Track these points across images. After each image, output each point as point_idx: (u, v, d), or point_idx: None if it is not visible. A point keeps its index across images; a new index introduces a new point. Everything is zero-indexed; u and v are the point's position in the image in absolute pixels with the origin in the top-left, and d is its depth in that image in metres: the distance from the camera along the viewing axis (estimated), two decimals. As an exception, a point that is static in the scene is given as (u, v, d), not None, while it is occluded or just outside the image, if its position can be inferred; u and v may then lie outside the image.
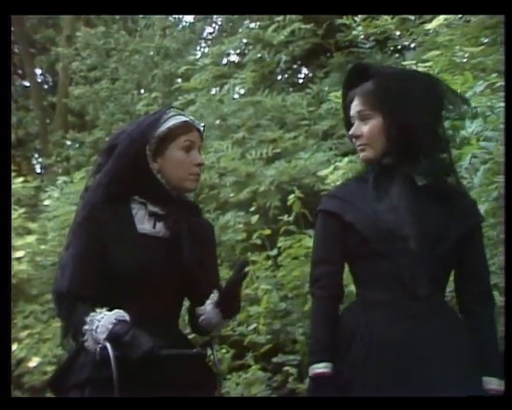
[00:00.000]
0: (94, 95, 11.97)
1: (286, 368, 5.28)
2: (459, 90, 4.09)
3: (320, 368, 2.63)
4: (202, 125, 2.84)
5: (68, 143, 13.99)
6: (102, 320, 2.47)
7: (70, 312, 2.59)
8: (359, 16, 5.60)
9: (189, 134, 2.73)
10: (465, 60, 4.34)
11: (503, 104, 3.71)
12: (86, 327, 2.48)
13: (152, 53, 11.28)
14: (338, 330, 2.69)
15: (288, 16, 8.32)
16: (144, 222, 2.71)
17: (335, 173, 5.30)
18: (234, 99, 8.47)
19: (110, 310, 2.51)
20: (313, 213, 3.01)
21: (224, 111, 8.04)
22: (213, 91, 8.35)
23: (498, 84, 3.91)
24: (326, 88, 7.73)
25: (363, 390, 2.54)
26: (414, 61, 4.87)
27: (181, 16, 13.00)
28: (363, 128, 2.74)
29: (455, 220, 2.69)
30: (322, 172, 5.63)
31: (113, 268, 2.63)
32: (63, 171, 12.23)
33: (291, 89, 9.10)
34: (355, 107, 2.76)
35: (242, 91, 8.88)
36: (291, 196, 6.00)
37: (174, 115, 2.74)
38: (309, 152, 6.84)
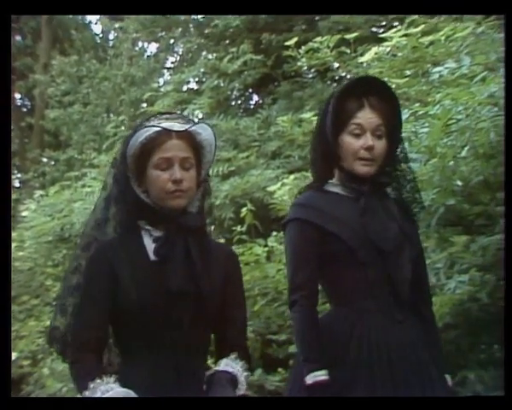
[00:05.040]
0: (67, 117, 11.88)
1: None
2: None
3: (321, 375, 2.35)
4: (186, 127, 2.25)
5: (44, 160, 13.89)
6: (106, 394, 2.05)
7: (74, 360, 2.19)
8: (303, 48, 5.55)
9: (164, 146, 2.21)
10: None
11: (426, 130, 3.79)
12: (87, 393, 2.06)
13: (120, 80, 11.22)
14: (325, 337, 2.43)
15: (240, 48, 8.36)
16: (152, 249, 2.25)
17: (282, 189, 5.33)
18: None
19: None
20: (281, 222, 2.65)
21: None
22: (175, 115, 8.33)
23: (421, 112, 3.94)
24: (274, 113, 7.76)
25: (358, 392, 2.33)
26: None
27: (146, 47, 12.98)
28: (376, 143, 2.45)
29: (413, 225, 2.59)
30: (271, 188, 5.66)
31: (127, 304, 2.18)
32: (39, 185, 12.12)
33: (243, 114, 9.11)
34: (370, 119, 2.45)
35: (201, 115, 8.86)
36: (244, 209, 6.01)
37: (147, 127, 2.23)
38: (259, 170, 6.87)
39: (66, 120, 11.97)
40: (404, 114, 4.04)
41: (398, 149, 2.59)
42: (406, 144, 3.86)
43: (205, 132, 2.30)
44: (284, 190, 5.29)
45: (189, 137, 2.26)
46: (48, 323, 6.87)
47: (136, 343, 2.21)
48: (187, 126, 2.25)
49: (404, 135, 3.80)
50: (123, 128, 8.70)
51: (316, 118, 4.96)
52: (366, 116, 2.45)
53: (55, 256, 7.96)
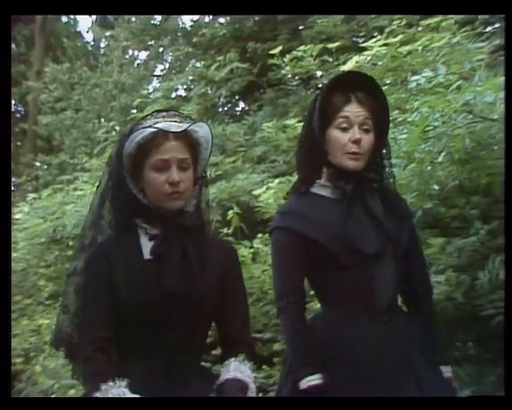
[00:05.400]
0: (60, 123, 11.85)
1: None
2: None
3: (315, 380, 2.29)
4: (183, 127, 2.15)
5: (37, 164, 13.85)
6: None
7: (85, 359, 2.08)
8: (287, 57, 5.55)
9: (162, 148, 2.13)
10: None
11: (405, 136, 3.80)
12: (98, 395, 1.98)
13: (110, 87, 11.19)
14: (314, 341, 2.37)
15: (227, 56, 8.36)
16: (148, 247, 2.18)
17: (267, 192, 5.32)
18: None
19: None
20: (268, 229, 2.63)
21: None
22: (164, 121, 8.31)
23: (400, 119, 3.93)
24: (259, 119, 7.75)
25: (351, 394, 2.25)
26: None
27: (136, 55, 12.96)
28: (364, 137, 2.38)
29: (402, 222, 2.47)
30: (257, 191, 5.65)
31: (121, 303, 2.12)
32: (32, 189, 12.07)
33: (230, 120, 9.10)
34: (357, 113, 2.38)
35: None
36: (230, 212, 6.01)
37: (143, 128, 2.14)
38: (245, 174, 6.86)
39: (59, 125, 11.94)
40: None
41: (387, 150, 2.54)
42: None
43: (201, 130, 2.22)
44: (269, 194, 5.28)
45: (186, 137, 2.17)
46: (40, 322, 6.85)
47: (130, 344, 2.14)
48: (184, 126, 2.15)
49: (382, 141, 3.91)
50: (113, 133, 8.68)
51: (300, 124, 5.02)
52: (353, 110, 2.39)
53: (47, 257, 7.92)
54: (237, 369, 2.17)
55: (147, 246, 2.18)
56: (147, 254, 2.17)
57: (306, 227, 2.40)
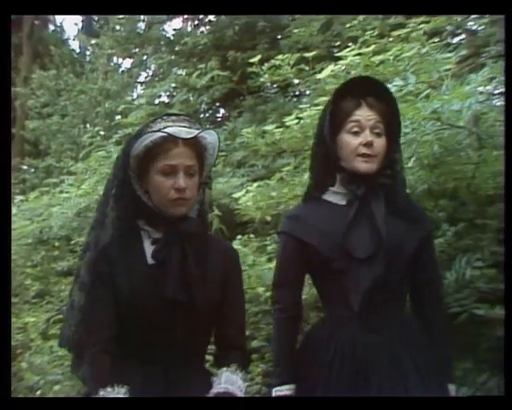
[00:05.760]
0: (46, 128, 11.79)
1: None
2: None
3: (282, 390, 2.29)
4: (193, 134, 2.08)
5: (24, 167, 13.73)
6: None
7: (90, 361, 2.05)
8: (265, 65, 5.54)
9: (170, 153, 2.05)
10: None
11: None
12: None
13: (95, 93, 11.15)
14: (308, 347, 2.35)
15: (208, 64, 8.35)
16: (151, 251, 2.11)
17: (247, 195, 5.31)
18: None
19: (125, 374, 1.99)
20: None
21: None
22: (147, 126, 8.30)
23: None
24: (239, 125, 7.75)
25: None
26: (308, 105, 4.95)
27: (120, 62, 12.91)
28: (375, 140, 2.31)
29: (411, 228, 2.36)
30: (237, 195, 5.65)
31: (123, 306, 2.06)
32: (20, 191, 11.94)
33: (211, 126, 9.09)
34: (368, 117, 2.31)
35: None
36: (211, 214, 6.02)
37: (153, 132, 2.05)
38: (226, 178, 6.84)
39: (45, 130, 11.87)
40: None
41: (398, 155, 2.45)
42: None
43: (210, 137, 2.16)
44: (248, 197, 5.28)
45: (194, 144, 2.10)
46: (27, 320, 6.80)
47: (130, 346, 2.08)
48: (194, 133, 2.08)
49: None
50: (98, 138, 8.62)
51: (278, 130, 5.03)
52: (364, 114, 2.32)
53: (34, 257, 7.87)
54: (228, 380, 2.12)
55: (149, 250, 2.11)
56: (150, 259, 2.10)
57: (304, 233, 2.35)
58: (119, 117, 10.13)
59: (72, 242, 7.38)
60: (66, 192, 7.25)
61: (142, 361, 2.07)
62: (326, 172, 2.44)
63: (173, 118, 2.13)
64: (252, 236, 5.35)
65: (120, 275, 2.08)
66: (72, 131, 11.15)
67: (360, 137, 2.31)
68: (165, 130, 2.05)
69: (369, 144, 2.29)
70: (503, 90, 4.03)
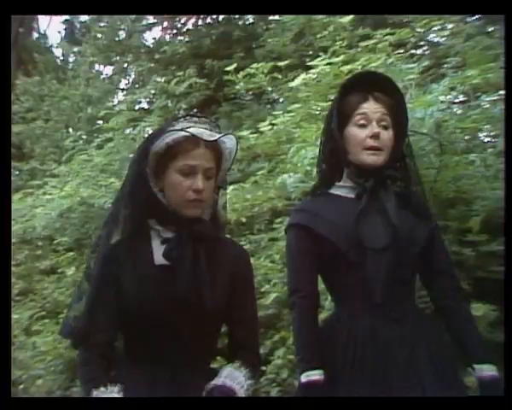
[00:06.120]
0: (30, 132, 11.68)
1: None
2: (313, 136, 4.24)
3: (314, 375, 2.13)
4: (215, 137, 2.01)
5: (9, 170, 13.63)
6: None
7: (83, 362, 1.98)
8: (241, 73, 5.53)
9: (192, 154, 1.97)
10: (318, 112, 4.41)
11: None
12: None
13: (78, 99, 11.07)
14: (325, 338, 2.20)
15: (186, 72, 8.35)
16: (161, 252, 2.01)
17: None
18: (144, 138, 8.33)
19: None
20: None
21: (135, 147, 7.85)
22: (127, 131, 8.30)
23: None
24: (216, 130, 7.75)
25: (357, 393, 2.09)
26: (281, 112, 4.98)
27: (102, 69, 12.83)
28: (382, 132, 2.23)
29: (420, 221, 2.28)
30: (212, 197, 5.64)
31: (130, 307, 1.96)
32: (4, 193, 11.89)
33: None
34: (375, 109, 2.24)
35: (151, 132, 8.80)
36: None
37: (175, 130, 1.98)
38: (202, 180, 6.85)
39: (30, 134, 11.77)
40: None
41: (405, 144, 2.35)
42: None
43: (229, 142, 2.08)
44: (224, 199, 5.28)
45: (215, 147, 2.03)
46: (11, 316, 6.74)
47: (137, 347, 1.99)
48: (216, 136, 2.01)
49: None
50: (80, 142, 8.59)
51: (253, 136, 5.04)
52: (371, 107, 2.25)
53: (18, 256, 7.81)
54: (229, 375, 2.03)
55: (158, 250, 2.01)
56: (158, 259, 2.00)
57: (316, 224, 2.25)
58: (100, 122, 10.05)
59: (55, 241, 7.35)
60: (50, 194, 7.21)
61: (149, 362, 1.96)
62: (334, 167, 2.36)
63: (195, 119, 2.05)
64: (228, 236, 5.35)
65: (127, 276, 1.98)
66: (55, 135, 11.08)
67: (367, 130, 2.24)
68: (189, 130, 1.97)
69: (375, 136, 2.22)
70: (462, 98, 4.10)
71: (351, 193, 2.30)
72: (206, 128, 2.02)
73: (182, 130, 1.97)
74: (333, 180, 2.36)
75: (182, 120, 2.04)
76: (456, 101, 4.11)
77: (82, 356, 1.99)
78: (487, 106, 3.75)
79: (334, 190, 2.35)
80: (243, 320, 2.11)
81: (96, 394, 1.87)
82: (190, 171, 1.97)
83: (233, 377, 2.02)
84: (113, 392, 1.88)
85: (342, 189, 2.34)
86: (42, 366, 6.00)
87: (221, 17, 9.84)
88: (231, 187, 5.50)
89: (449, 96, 3.80)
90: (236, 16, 9.73)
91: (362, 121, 2.24)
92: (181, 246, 1.98)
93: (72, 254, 7.26)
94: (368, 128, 2.24)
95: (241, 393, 1.99)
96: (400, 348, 2.15)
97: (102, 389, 1.87)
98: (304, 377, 2.14)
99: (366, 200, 2.23)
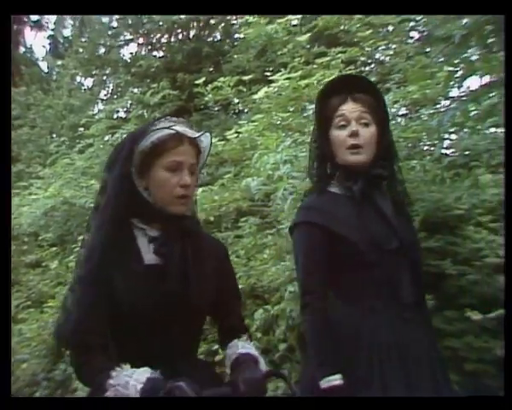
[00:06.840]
0: (17, 137, 11.52)
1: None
2: (275, 144, 4.28)
3: (335, 380, 1.96)
4: (199, 133, 1.91)
5: (-3, 172, 13.42)
6: (133, 376, 1.68)
7: (84, 362, 1.77)
8: (209, 86, 5.53)
9: (177, 150, 1.85)
10: (279, 122, 4.43)
11: (304, 154, 3.84)
12: (111, 382, 1.68)
13: (61, 108, 10.99)
14: (340, 338, 2.03)
15: (160, 84, 8.35)
16: (149, 251, 1.86)
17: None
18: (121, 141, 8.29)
19: (126, 359, 1.74)
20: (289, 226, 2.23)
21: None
22: (107, 138, 8.26)
23: (300, 140, 3.99)
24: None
25: (371, 393, 1.95)
26: (246, 121, 5.00)
27: (83, 81, 12.72)
28: (361, 130, 2.10)
29: (408, 222, 2.19)
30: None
31: (120, 307, 1.79)
32: (-8, 193, 11.72)
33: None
34: (353, 109, 2.12)
35: (129, 134, 8.73)
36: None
37: (161, 128, 1.86)
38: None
39: (17, 139, 11.58)
40: (287, 142, 4.20)
41: (391, 149, 2.23)
42: (288, 165, 3.94)
43: (206, 140, 1.97)
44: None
45: (195, 144, 1.93)
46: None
47: (128, 345, 1.80)
48: (196, 134, 1.91)
49: (286, 158, 3.93)
50: (63, 147, 8.54)
51: (220, 143, 5.07)
52: (349, 107, 2.13)
53: (5, 251, 7.73)
54: (244, 347, 1.95)
55: (146, 249, 1.87)
56: (147, 258, 1.85)
57: (330, 222, 2.08)
58: (81, 129, 9.97)
59: (40, 237, 7.33)
60: (35, 194, 7.17)
61: (142, 360, 1.77)
62: (323, 171, 2.23)
63: (174, 119, 1.95)
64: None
65: (118, 277, 1.80)
66: (40, 140, 10.98)
67: (347, 130, 2.12)
68: (174, 127, 1.87)
69: (354, 134, 2.10)
70: (404, 111, 4.19)
71: (347, 192, 2.18)
72: (186, 127, 1.95)
73: (167, 128, 1.87)
74: (327, 183, 2.23)
75: (163, 120, 1.93)
76: (400, 113, 4.20)
77: (81, 359, 1.78)
78: (426, 118, 3.83)
79: (329, 189, 2.22)
80: (234, 309, 2.05)
81: (115, 375, 1.70)
82: (177, 167, 1.86)
83: (249, 347, 1.96)
84: (130, 369, 1.71)
85: (337, 188, 2.22)
86: (27, 351, 5.96)
87: (191, 34, 9.85)
88: (201, 189, 5.51)
89: (393, 109, 3.87)
90: (206, 33, 9.72)
91: (342, 122, 2.14)
92: (170, 243, 1.86)
93: (55, 249, 7.25)
94: (347, 128, 2.13)
95: (261, 360, 1.93)
96: (418, 349, 2.03)
97: (118, 369, 1.71)
98: (325, 383, 1.98)
99: (358, 202, 2.11)
